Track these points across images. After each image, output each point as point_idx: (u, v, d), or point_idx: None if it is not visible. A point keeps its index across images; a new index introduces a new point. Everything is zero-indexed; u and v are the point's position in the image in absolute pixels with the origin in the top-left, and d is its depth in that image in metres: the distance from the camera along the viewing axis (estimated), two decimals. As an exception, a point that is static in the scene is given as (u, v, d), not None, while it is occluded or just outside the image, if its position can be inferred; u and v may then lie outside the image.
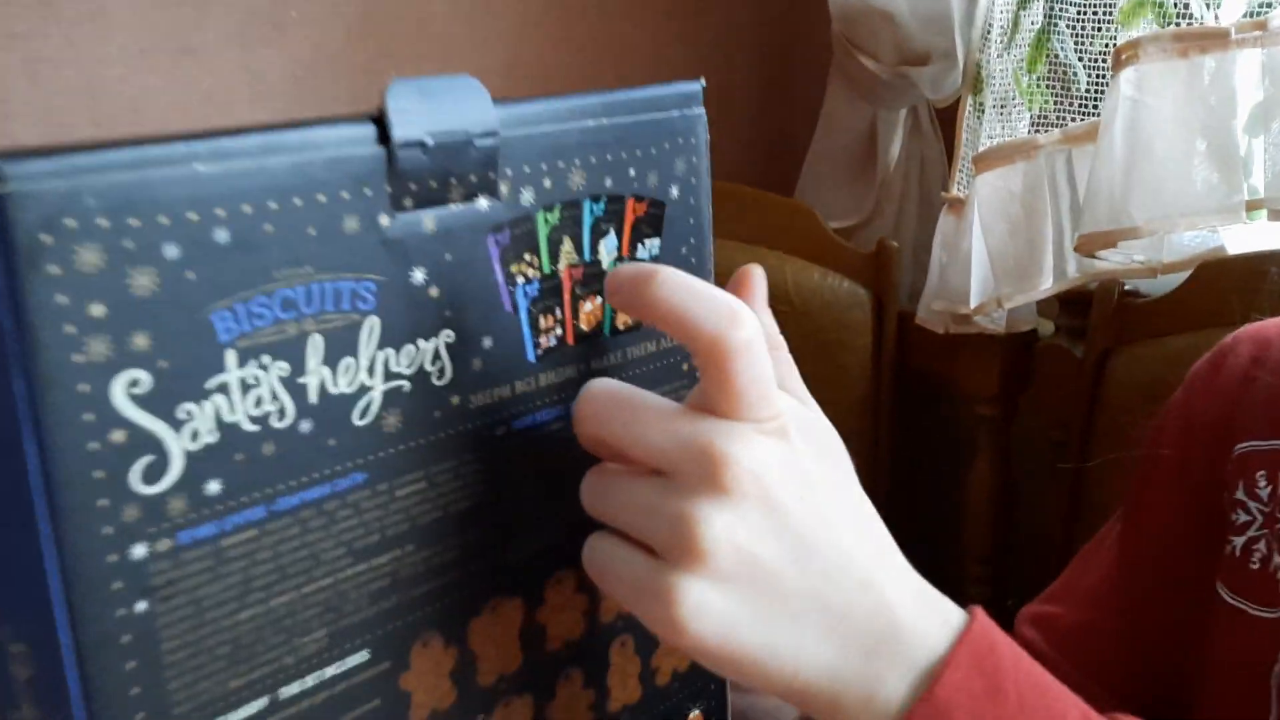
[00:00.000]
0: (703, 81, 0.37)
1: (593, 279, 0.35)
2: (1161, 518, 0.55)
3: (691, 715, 0.40)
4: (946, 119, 1.25)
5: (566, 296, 0.34)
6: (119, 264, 0.25)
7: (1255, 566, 0.49)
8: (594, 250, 0.35)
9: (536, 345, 0.33)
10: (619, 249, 0.35)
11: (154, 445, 0.26)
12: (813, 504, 0.31)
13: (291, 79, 1.23)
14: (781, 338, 0.35)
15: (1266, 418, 0.51)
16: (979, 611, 0.34)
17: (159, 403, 0.26)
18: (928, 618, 0.33)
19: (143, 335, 0.25)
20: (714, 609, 0.30)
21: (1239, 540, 0.50)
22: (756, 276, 0.36)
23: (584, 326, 0.35)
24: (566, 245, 0.34)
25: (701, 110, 0.37)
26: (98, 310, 0.24)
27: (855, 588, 0.32)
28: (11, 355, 0.23)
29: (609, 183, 0.34)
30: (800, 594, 0.31)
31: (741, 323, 0.30)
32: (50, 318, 0.24)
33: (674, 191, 0.36)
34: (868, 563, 0.32)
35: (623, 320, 0.36)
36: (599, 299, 0.35)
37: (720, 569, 0.30)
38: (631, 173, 0.35)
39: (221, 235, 0.26)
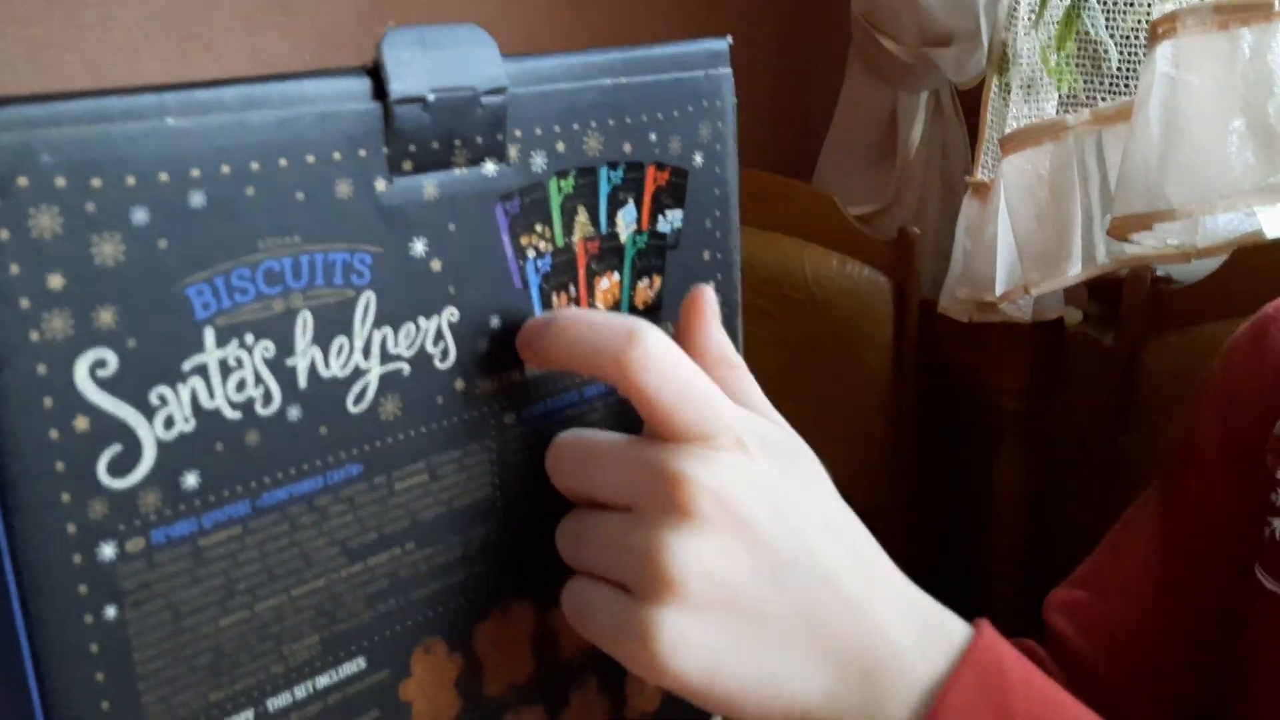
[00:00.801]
0: (729, 39, 0.34)
1: (610, 253, 0.32)
2: (1203, 501, 0.53)
3: None
4: (969, 102, 1.22)
5: (581, 272, 0.32)
6: (80, 230, 0.23)
7: None
8: (611, 222, 0.32)
9: None
10: (638, 221, 0.33)
11: (123, 434, 0.24)
12: (783, 519, 0.30)
13: (299, 63, 1.21)
14: (738, 357, 0.34)
15: None
16: (985, 625, 0.32)
17: (128, 386, 0.24)
18: (925, 634, 0.31)
19: (109, 310, 0.23)
20: (693, 641, 0.29)
21: (1278, 522, 0.48)
22: (707, 296, 0.33)
23: (600, 305, 0.33)
24: (581, 216, 0.32)
25: (728, 70, 0.34)
26: (57, 282, 0.22)
27: (842, 606, 0.30)
28: None
29: (628, 148, 0.32)
30: (784, 616, 0.29)
31: (639, 339, 0.28)
32: (2, 290, 0.22)
33: (698, 159, 0.34)
34: (852, 578, 0.31)
35: (642, 299, 0.34)
36: (616, 275, 0.33)
37: (693, 597, 0.28)
38: (652, 137, 0.33)
39: (197, 199, 0.24)
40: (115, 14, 1.10)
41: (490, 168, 0.29)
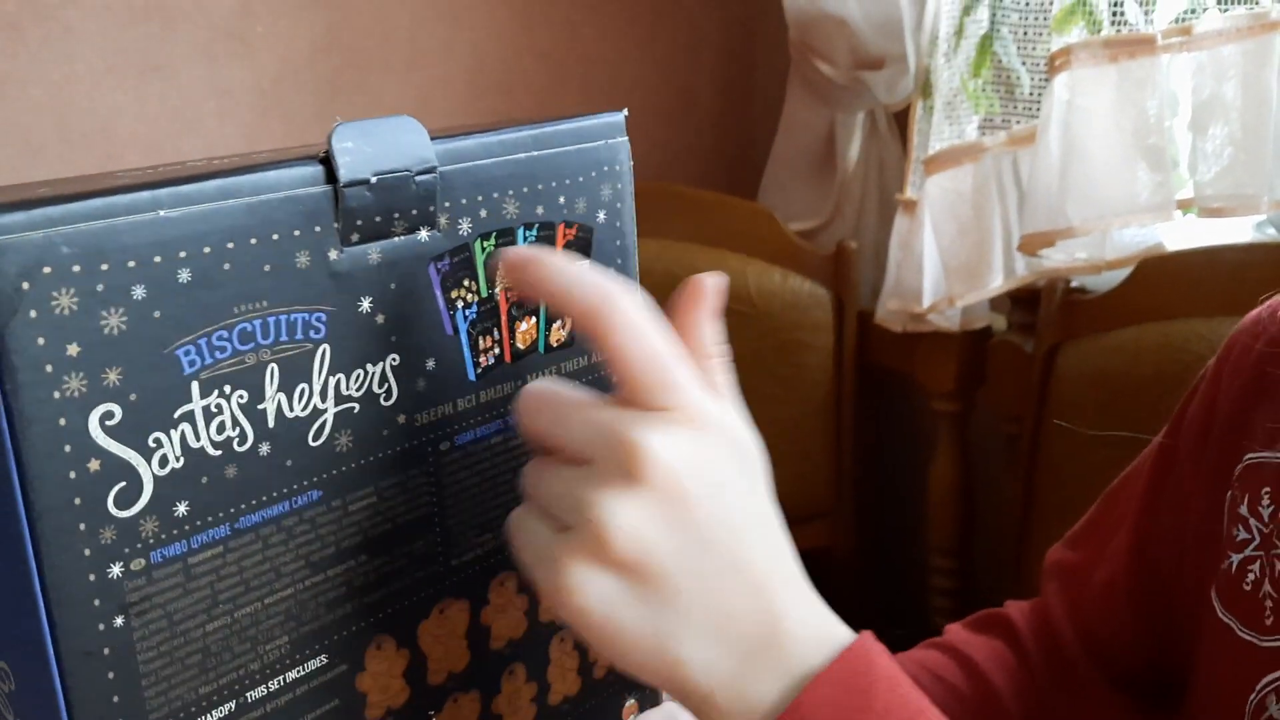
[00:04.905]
0: (625, 111, 0.39)
1: (527, 301, 0.37)
2: (1176, 499, 0.53)
3: (627, 704, 0.43)
4: (903, 121, 1.27)
5: (503, 318, 0.36)
6: (92, 306, 0.27)
7: (1247, 588, 0.47)
8: None
9: (476, 364, 0.36)
10: None
11: (127, 472, 0.28)
12: (719, 503, 0.32)
13: (258, 93, 1.24)
14: (719, 348, 0.36)
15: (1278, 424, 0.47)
16: (867, 634, 0.34)
17: (131, 433, 0.28)
18: (811, 631, 0.33)
19: (115, 371, 0.27)
20: (598, 590, 0.31)
21: (1236, 557, 0.48)
22: (706, 287, 0.36)
23: (520, 345, 0.37)
24: (502, 270, 0.36)
25: (625, 139, 0.39)
26: (73, 349, 0.27)
27: (746, 591, 0.32)
28: None
29: (540, 210, 0.37)
30: (692, 589, 0.32)
31: (614, 301, 0.31)
32: (31, 359, 0.26)
33: (601, 216, 0.39)
34: (764, 568, 0.33)
35: (556, 337, 0.38)
36: (534, 319, 0.37)
37: (613, 552, 0.31)
38: (561, 200, 0.37)
39: (184, 275, 0.28)
40: (78, 49, 1.13)
41: (424, 235, 0.34)
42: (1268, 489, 0.47)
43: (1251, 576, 0.47)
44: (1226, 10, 0.95)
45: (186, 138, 1.22)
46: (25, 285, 0.26)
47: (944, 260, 1.12)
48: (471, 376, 0.36)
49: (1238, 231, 1.10)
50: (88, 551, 0.27)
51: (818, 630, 0.34)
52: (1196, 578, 0.50)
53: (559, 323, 0.38)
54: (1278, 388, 0.48)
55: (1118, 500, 0.57)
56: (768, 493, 0.35)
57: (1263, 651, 0.45)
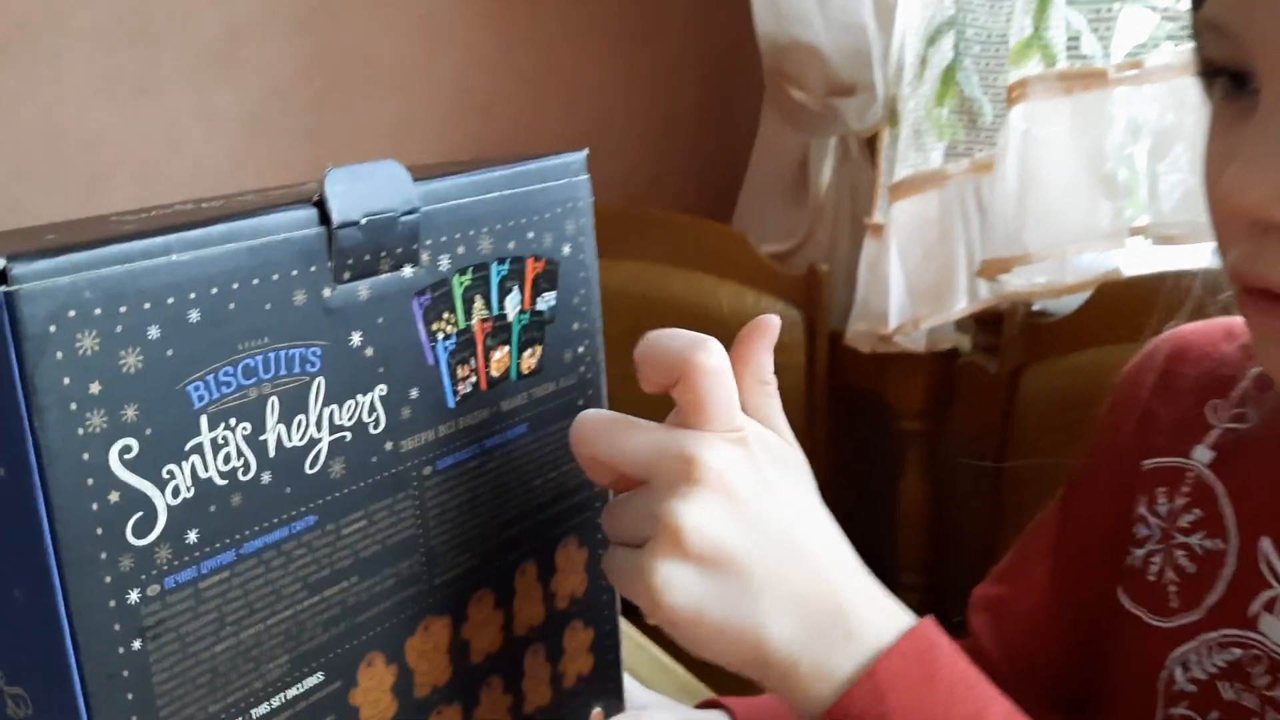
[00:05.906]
0: (586, 151, 0.42)
1: (501, 330, 0.39)
2: (1088, 518, 0.57)
3: (594, 713, 0.45)
4: (875, 147, 1.30)
5: (479, 347, 0.39)
6: (112, 346, 0.28)
7: (1151, 579, 0.51)
8: (501, 305, 0.39)
9: (455, 392, 0.38)
10: (522, 302, 0.40)
11: (143, 503, 0.29)
12: (770, 501, 0.36)
13: (243, 116, 1.26)
14: (773, 377, 0.40)
15: (1168, 434, 0.53)
16: (930, 618, 0.38)
17: (146, 465, 0.29)
18: (876, 610, 0.37)
19: (132, 407, 0.29)
20: (682, 583, 0.35)
21: (1139, 553, 0.52)
22: (770, 325, 0.40)
23: (494, 373, 0.39)
24: (478, 302, 0.38)
25: (586, 176, 0.42)
26: (95, 388, 0.28)
27: (809, 575, 0.36)
28: (25, 432, 0.27)
29: (512, 245, 0.39)
30: (760, 574, 0.35)
31: (709, 349, 0.36)
32: (58, 398, 0.28)
33: (566, 249, 0.41)
34: (820, 554, 0.37)
35: (526, 365, 0.41)
36: (506, 348, 0.40)
37: (687, 548, 0.35)
38: (530, 236, 0.40)
39: (194, 315, 0.30)
40: (66, 72, 1.15)
41: (408, 271, 0.36)
42: (1163, 489, 0.52)
43: (1154, 568, 0.52)
44: (1179, 45, 0.99)
45: (173, 160, 1.23)
46: (53, 328, 0.27)
47: (909, 283, 1.15)
48: (451, 404, 0.38)
49: (1196, 256, 1.14)
50: (109, 579, 0.29)
51: (882, 611, 0.37)
52: (1110, 588, 0.54)
53: (530, 350, 0.41)
54: (1170, 399, 0.54)
55: (1036, 534, 0.61)
56: (814, 496, 0.39)
57: (1169, 632, 0.50)
